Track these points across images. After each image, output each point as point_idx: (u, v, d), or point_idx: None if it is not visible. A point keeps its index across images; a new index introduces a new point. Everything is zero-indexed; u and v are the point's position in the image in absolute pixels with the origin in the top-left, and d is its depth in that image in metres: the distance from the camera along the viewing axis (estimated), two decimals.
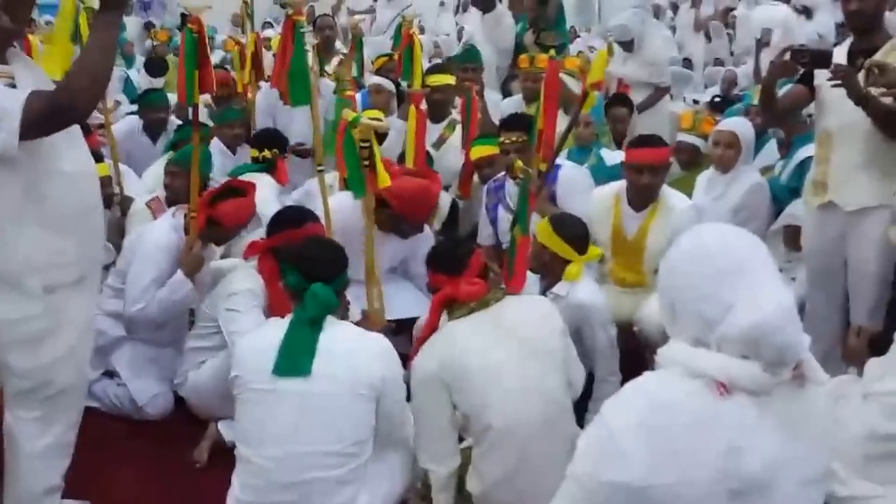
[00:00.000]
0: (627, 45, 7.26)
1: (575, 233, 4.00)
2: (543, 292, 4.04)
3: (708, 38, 13.31)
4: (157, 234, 4.13)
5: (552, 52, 4.58)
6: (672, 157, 5.65)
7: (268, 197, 4.97)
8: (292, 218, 3.83)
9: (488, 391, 2.97)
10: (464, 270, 3.20)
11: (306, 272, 3.02)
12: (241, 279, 3.85)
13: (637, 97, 7.02)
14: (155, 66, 9.81)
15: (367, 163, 3.68)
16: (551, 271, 4.01)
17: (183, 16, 13.99)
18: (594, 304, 3.91)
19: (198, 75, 3.94)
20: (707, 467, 1.82)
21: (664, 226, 4.29)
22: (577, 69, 6.46)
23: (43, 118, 2.67)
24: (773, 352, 1.83)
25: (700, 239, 1.99)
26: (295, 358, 2.90)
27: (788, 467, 1.88)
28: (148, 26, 12.62)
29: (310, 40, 6.81)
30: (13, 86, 2.77)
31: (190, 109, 4.27)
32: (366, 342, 3.03)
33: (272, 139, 5.48)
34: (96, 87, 2.75)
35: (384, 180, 3.73)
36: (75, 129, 2.96)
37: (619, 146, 5.97)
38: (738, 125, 5.09)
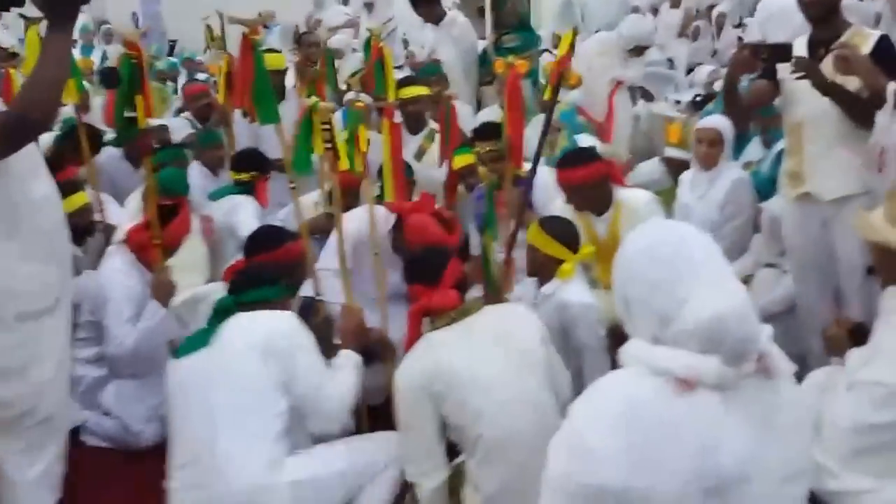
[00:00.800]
0: (640, 50, 7.23)
1: (565, 231, 3.96)
2: (536, 296, 4.02)
3: (692, 38, 13.28)
4: (118, 275, 4.12)
5: (510, 57, 4.52)
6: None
7: (249, 220, 4.97)
8: (270, 239, 3.81)
9: (478, 400, 2.93)
10: (439, 280, 3.16)
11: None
12: None
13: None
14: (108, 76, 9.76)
15: (329, 145, 3.61)
16: (546, 273, 3.95)
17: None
18: (582, 303, 3.83)
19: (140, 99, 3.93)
20: (679, 466, 1.80)
21: (634, 222, 4.17)
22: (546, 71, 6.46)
23: (2, 135, 2.64)
24: (731, 344, 1.82)
25: (651, 237, 1.98)
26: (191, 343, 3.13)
27: (762, 461, 1.86)
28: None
29: (290, 58, 6.81)
30: None
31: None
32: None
33: (252, 161, 5.42)
34: (51, 97, 2.74)
35: (343, 163, 3.69)
36: (37, 157, 2.95)
37: None
38: (720, 122, 5.09)
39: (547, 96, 4.31)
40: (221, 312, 3.16)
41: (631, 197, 4.34)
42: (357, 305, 3.68)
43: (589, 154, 4.43)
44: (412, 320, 3.22)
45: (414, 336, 3.19)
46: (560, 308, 3.81)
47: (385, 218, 4.24)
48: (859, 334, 2.77)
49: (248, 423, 2.96)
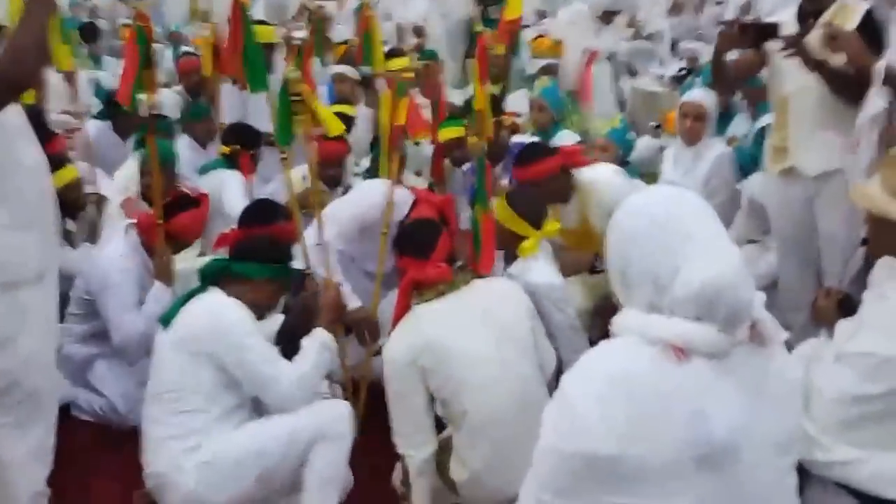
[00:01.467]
0: (609, 16, 7.21)
1: (529, 207, 3.88)
2: (503, 272, 3.99)
3: (674, 12, 13.23)
4: (118, 259, 4.04)
5: (479, 26, 4.49)
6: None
7: (236, 197, 4.97)
8: (265, 213, 3.83)
9: (464, 375, 2.94)
10: (430, 253, 3.15)
11: None
12: None
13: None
14: (89, 30, 9.70)
15: (300, 117, 3.57)
16: (510, 248, 3.91)
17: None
18: (545, 283, 3.75)
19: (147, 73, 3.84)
20: (671, 434, 1.79)
21: (600, 201, 4.16)
22: (549, 49, 6.44)
23: None
24: (726, 310, 1.80)
25: (645, 204, 1.95)
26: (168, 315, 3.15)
27: (754, 430, 1.85)
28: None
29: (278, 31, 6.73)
30: None
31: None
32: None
33: (237, 135, 5.37)
34: (32, 58, 2.68)
35: (337, 127, 3.69)
36: (27, 125, 2.89)
37: None
38: (705, 97, 5.10)
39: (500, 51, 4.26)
40: (205, 278, 3.19)
41: (593, 177, 4.29)
42: (334, 282, 3.65)
43: (542, 149, 4.40)
44: (402, 293, 3.19)
45: (403, 308, 3.17)
46: (527, 289, 3.72)
47: (405, 200, 4.10)
48: (847, 306, 2.77)
49: (169, 409, 3.03)
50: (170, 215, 3.98)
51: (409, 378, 2.99)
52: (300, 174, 4.81)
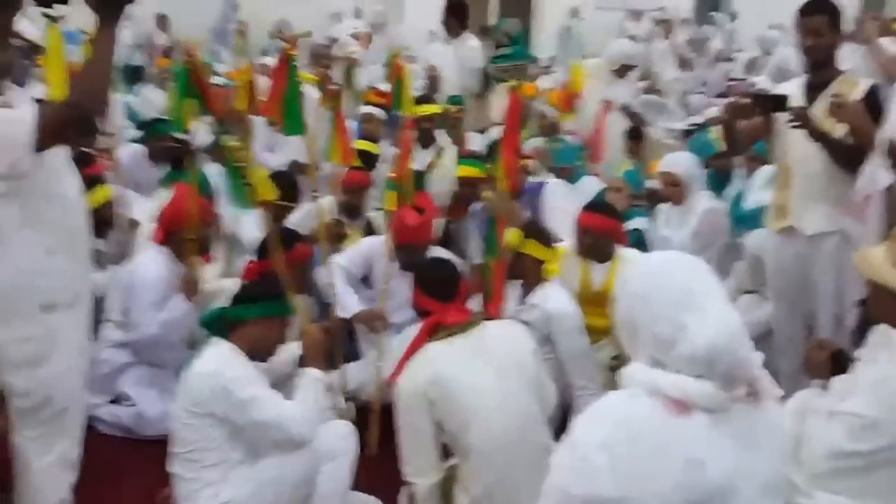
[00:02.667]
0: (624, 70, 7.31)
1: (542, 233, 4.12)
2: (522, 301, 4.11)
3: (685, 67, 13.34)
4: (151, 267, 4.17)
5: (513, 82, 4.59)
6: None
7: (251, 229, 5.01)
8: (282, 241, 3.87)
9: (471, 411, 3.01)
10: (454, 297, 3.24)
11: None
12: None
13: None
14: (135, 72, 9.64)
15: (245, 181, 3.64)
16: (531, 275, 4.06)
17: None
18: (562, 312, 3.96)
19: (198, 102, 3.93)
20: (669, 479, 1.87)
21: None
22: (551, 98, 6.53)
23: (59, 124, 2.72)
24: (726, 370, 1.89)
25: (652, 266, 2.07)
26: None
27: (746, 477, 1.92)
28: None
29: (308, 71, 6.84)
30: None
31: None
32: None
33: (284, 188, 5.41)
34: (103, 88, 2.81)
35: (268, 193, 3.66)
36: (66, 154, 3.00)
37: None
38: (677, 162, 5.15)
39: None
40: (208, 328, 3.25)
41: (630, 255, 4.40)
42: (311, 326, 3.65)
43: (613, 209, 4.53)
44: (422, 332, 3.25)
45: (418, 345, 3.22)
46: (543, 318, 3.91)
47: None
48: (839, 359, 2.82)
49: (190, 467, 3.07)
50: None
51: (418, 410, 3.06)
52: (327, 205, 4.93)
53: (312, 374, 3.31)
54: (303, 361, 3.44)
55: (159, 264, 4.17)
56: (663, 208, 5.22)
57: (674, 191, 5.05)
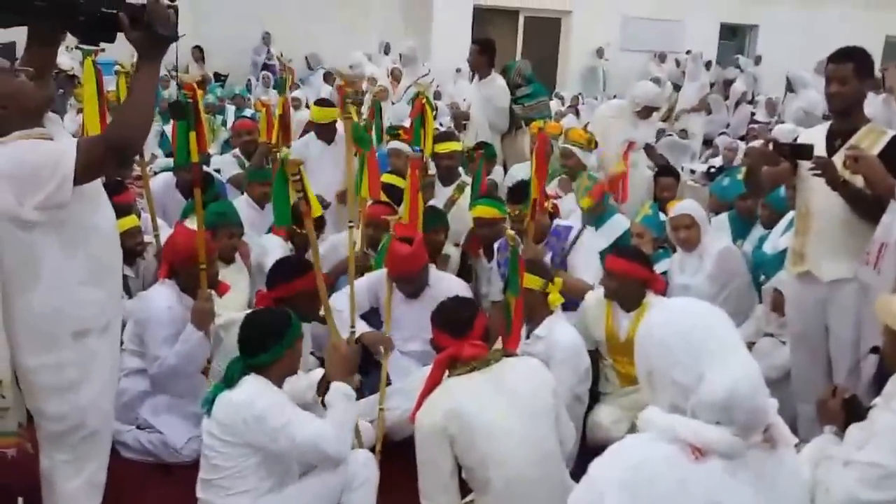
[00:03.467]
0: (648, 112, 7.36)
1: (536, 263, 4.20)
2: (528, 335, 4.13)
3: (708, 111, 13.38)
4: (160, 302, 4.16)
5: (539, 122, 4.63)
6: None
7: (277, 254, 5.07)
8: (288, 271, 3.99)
9: (490, 447, 3.02)
10: (469, 333, 3.25)
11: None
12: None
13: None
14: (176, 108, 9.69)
15: (301, 194, 3.54)
16: (538, 309, 4.09)
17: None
18: (564, 345, 4.02)
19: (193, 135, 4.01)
20: None
21: None
22: (585, 141, 6.55)
23: (98, 157, 2.78)
24: (745, 417, 1.91)
25: (671, 313, 2.08)
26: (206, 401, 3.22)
27: None
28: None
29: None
30: None
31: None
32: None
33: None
34: (143, 124, 2.86)
35: (317, 210, 3.67)
36: (101, 189, 3.06)
37: (664, 213, 5.90)
38: (689, 208, 5.11)
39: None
40: (230, 377, 3.22)
41: (657, 302, 4.38)
42: (342, 340, 3.69)
43: (642, 255, 4.50)
44: (437, 366, 3.27)
45: (435, 380, 3.25)
46: (546, 349, 3.95)
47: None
48: (853, 406, 2.82)
49: (221, 493, 3.12)
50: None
51: (437, 445, 3.06)
52: (344, 237, 4.94)
53: (341, 389, 3.33)
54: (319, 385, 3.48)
55: (168, 299, 4.16)
56: (676, 257, 5.19)
57: (689, 235, 4.99)
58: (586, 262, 5.02)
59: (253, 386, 3.14)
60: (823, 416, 2.96)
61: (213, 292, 4.16)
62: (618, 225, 5.39)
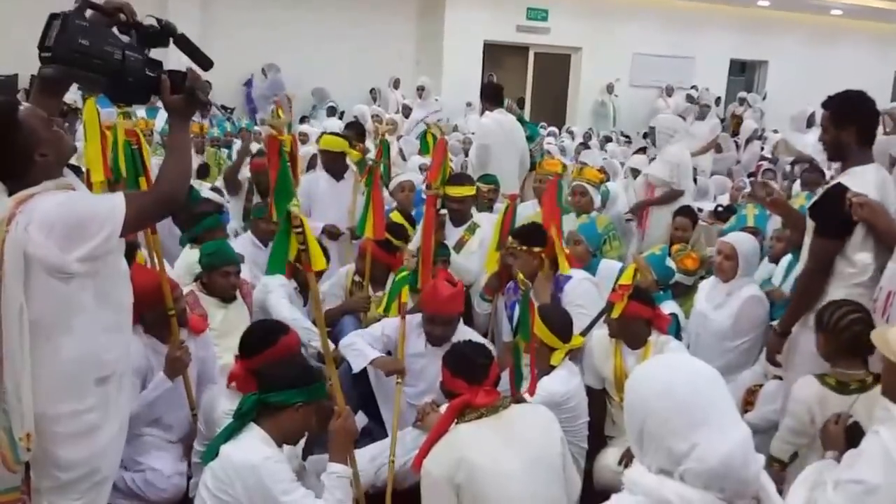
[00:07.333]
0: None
1: (559, 321, 4.15)
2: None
3: (718, 149, 13.37)
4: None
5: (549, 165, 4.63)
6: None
7: (279, 303, 5.06)
8: (264, 337, 3.70)
9: (495, 495, 2.97)
10: (484, 380, 3.21)
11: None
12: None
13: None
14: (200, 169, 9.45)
15: (303, 247, 3.31)
16: (541, 359, 4.03)
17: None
18: (562, 392, 4.00)
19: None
20: None
21: None
22: (598, 181, 6.54)
23: (147, 211, 2.87)
24: (736, 485, 1.91)
25: (666, 374, 2.02)
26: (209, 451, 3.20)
27: None
28: None
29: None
30: None
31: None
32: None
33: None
34: (186, 180, 2.97)
35: (320, 263, 3.39)
36: None
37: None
38: (739, 240, 5.08)
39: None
40: (242, 416, 3.18)
41: (665, 342, 4.39)
42: (347, 408, 3.46)
43: (647, 295, 4.49)
44: (450, 411, 3.22)
45: (445, 425, 3.19)
46: (552, 399, 3.90)
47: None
48: (854, 433, 2.90)
49: None
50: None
51: (443, 492, 3.01)
52: (347, 270, 4.92)
53: (338, 470, 3.27)
54: (307, 449, 3.49)
55: (141, 354, 4.00)
56: (709, 281, 5.16)
57: (724, 264, 4.98)
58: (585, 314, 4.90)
59: (256, 446, 3.08)
60: (825, 442, 3.07)
61: (185, 332, 4.11)
62: (609, 269, 5.37)
